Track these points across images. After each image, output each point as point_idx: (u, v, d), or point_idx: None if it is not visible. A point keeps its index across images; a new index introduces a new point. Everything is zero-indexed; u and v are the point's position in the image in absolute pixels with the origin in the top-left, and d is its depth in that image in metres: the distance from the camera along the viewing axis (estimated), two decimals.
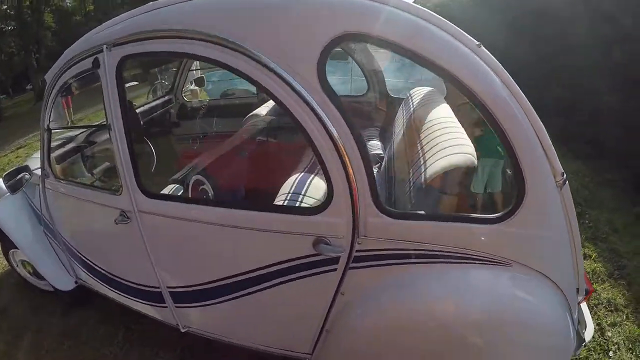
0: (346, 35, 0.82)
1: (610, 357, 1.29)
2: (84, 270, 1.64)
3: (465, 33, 0.85)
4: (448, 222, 0.89)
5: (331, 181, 0.89)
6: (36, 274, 1.84)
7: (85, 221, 1.49)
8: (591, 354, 1.31)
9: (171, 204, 1.15)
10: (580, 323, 1.05)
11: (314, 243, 0.95)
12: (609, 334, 1.36)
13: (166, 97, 2.37)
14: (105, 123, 1.17)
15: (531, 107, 0.87)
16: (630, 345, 1.32)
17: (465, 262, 0.90)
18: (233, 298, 1.19)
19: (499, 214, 0.88)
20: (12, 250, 1.85)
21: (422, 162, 1.07)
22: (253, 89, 2.78)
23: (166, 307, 1.43)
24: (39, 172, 1.57)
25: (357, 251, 0.93)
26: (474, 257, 0.89)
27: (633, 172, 2.27)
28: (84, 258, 1.58)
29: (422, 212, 0.91)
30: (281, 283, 1.06)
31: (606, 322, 1.45)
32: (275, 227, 0.99)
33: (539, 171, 0.85)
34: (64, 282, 1.74)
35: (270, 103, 1.83)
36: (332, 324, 1.07)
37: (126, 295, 1.53)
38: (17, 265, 1.97)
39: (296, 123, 0.88)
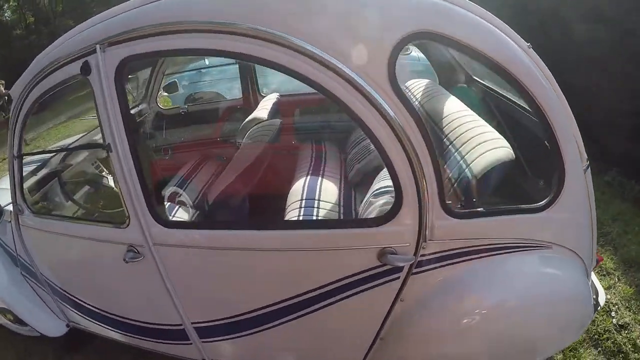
0: (418, 34, 0.76)
1: (612, 317, 1.45)
2: (77, 313, 1.40)
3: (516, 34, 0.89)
4: (503, 215, 0.90)
5: (401, 189, 0.82)
6: (18, 320, 1.60)
7: (77, 261, 1.22)
8: (596, 316, 1.43)
9: (198, 233, 0.95)
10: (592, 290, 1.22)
11: (379, 255, 0.88)
12: (608, 296, 1.50)
13: (140, 107, 2.05)
14: (99, 143, 0.95)
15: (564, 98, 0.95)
16: (627, 304, 1.49)
17: (517, 250, 0.92)
18: (276, 325, 1.06)
19: (543, 202, 0.91)
20: None
21: (459, 158, 1.10)
22: (224, 91, 2.70)
23: (190, 343, 1.26)
24: (10, 207, 1.32)
25: (420, 256, 0.90)
26: (523, 244, 0.92)
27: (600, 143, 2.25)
28: (77, 301, 1.33)
29: (481, 209, 0.90)
30: (336, 302, 0.97)
31: (602, 285, 1.59)
32: (333, 244, 0.90)
33: (575, 159, 0.89)
34: (54, 328, 1.53)
35: (268, 105, 1.68)
36: (388, 331, 1.02)
37: (136, 336, 1.31)
38: None
39: (364, 128, 0.79)
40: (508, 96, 1.30)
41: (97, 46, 0.85)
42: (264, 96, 1.97)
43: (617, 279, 1.65)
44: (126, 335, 1.33)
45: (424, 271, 0.93)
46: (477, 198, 0.97)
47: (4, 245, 1.52)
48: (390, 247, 0.88)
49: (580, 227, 1.00)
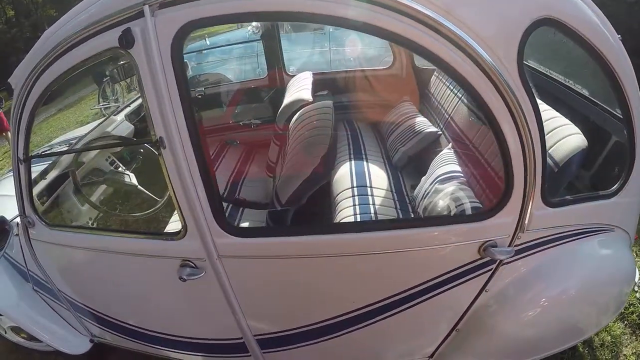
0: (546, 20, 0.67)
1: (635, 291, 1.54)
2: (107, 330, 1.30)
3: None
4: (586, 202, 0.89)
5: (513, 180, 0.74)
6: (33, 337, 1.48)
7: (109, 278, 1.04)
8: None
9: (277, 240, 0.80)
10: None
11: (481, 248, 0.82)
12: None
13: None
14: (143, 137, 0.76)
15: None
16: None
17: (590, 234, 0.93)
18: (352, 331, 0.97)
19: (615, 188, 0.91)
20: None
21: None
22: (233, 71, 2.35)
23: (248, 355, 1.13)
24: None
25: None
26: (596, 229, 0.94)
27: None
28: (108, 318, 1.22)
29: (569, 197, 0.88)
30: (422, 302, 0.91)
31: None
32: (434, 242, 0.81)
33: (638, 135, 0.93)
34: (76, 345, 1.43)
35: (307, 84, 1.49)
36: (465, 322, 0.99)
37: (184, 352, 1.19)
38: (6, 332, 1.57)
39: (486, 112, 0.70)
40: (558, 79, 1.31)
41: (146, 7, 0.61)
42: (291, 75, 1.75)
43: (635, 255, 1.69)
44: (171, 351, 1.19)
45: (512, 261, 0.92)
46: (560, 186, 0.97)
47: (12, 261, 1.36)
48: (493, 239, 0.85)
49: (634, 209, 1.07)
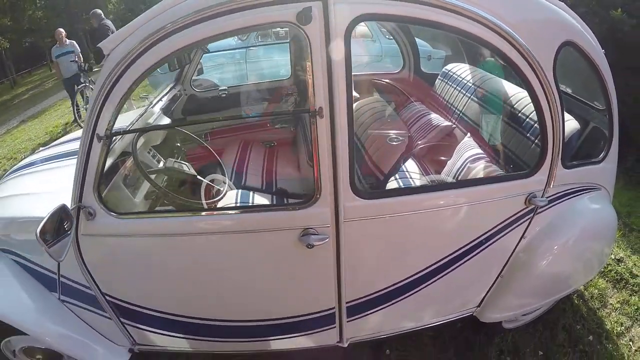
0: (569, 42, 1.09)
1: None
2: (158, 331, 1.35)
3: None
4: (586, 166, 1.34)
5: (547, 146, 1.16)
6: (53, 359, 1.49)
7: (193, 266, 1.14)
8: None
9: (395, 200, 1.05)
10: None
11: (527, 199, 1.22)
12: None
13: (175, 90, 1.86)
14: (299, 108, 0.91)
15: None
16: (617, 243, 2.13)
17: (587, 191, 1.38)
18: (425, 286, 1.27)
19: (601, 156, 1.38)
20: (7, 339, 1.44)
21: None
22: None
23: (333, 327, 1.31)
24: None
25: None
26: (591, 187, 1.39)
27: None
28: (168, 316, 1.27)
29: (575, 162, 1.31)
30: (482, 251, 1.25)
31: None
32: (494, 195, 1.17)
33: (616, 127, 1.42)
34: (113, 358, 1.44)
35: None
36: (507, 268, 1.37)
37: (256, 339, 1.33)
38: (15, 356, 1.53)
39: (534, 99, 1.10)
40: None
41: None
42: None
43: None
44: (243, 340, 1.32)
45: (542, 211, 1.32)
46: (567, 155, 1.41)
47: (33, 268, 1.34)
48: (534, 192, 1.23)
49: (613, 174, 1.54)
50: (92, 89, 6.07)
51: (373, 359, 1.70)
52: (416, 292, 1.29)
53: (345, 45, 0.85)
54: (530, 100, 1.41)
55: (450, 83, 1.94)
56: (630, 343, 1.73)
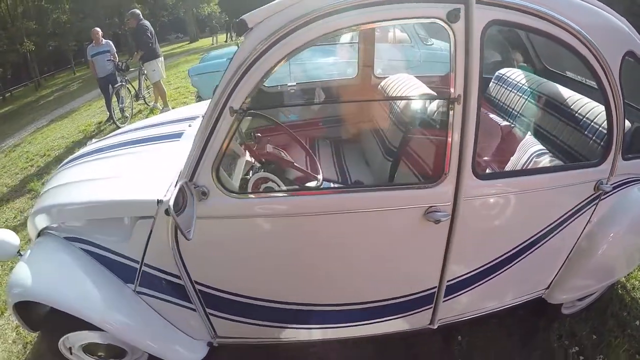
0: (631, 52, 1.31)
1: None
2: (247, 321, 1.41)
3: None
4: (636, 159, 1.53)
5: (612, 139, 1.37)
6: (115, 355, 1.53)
7: (314, 246, 1.23)
8: None
9: (506, 180, 1.26)
10: None
11: (596, 185, 1.42)
12: None
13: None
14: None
15: None
16: None
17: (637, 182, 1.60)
18: (510, 266, 1.44)
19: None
20: (67, 335, 1.45)
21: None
22: None
23: (429, 308, 1.44)
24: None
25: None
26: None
27: None
28: (266, 304, 1.35)
29: (631, 155, 1.51)
30: (557, 233, 1.44)
31: None
32: (572, 181, 1.36)
33: None
34: (191, 351, 1.47)
35: (412, 84, 1.92)
36: (574, 251, 1.56)
37: (352, 323, 1.40)
38: (72, 353, 1.53)
39: (605, 99, 1.31)
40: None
41: None
42: (378, 77, 2.18)
43: None
44: (329, 328, 1.43)
45: (605, 198, 1.52)
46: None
47: (109, 256, 1.38)
48: (601, 179, 1.43)
49: None
50: (128, 88, 6.35)
51: (444, 345, 1.82)
52: (502, 272, 1.45)
53: (480, 43, 1.05)
54: (585, 102, 1.65)
55: (506, 86, 2.17)
56: None
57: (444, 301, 1.42)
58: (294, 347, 1.73)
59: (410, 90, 1.79)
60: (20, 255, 1.52)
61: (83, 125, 6.60)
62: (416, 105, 1.68)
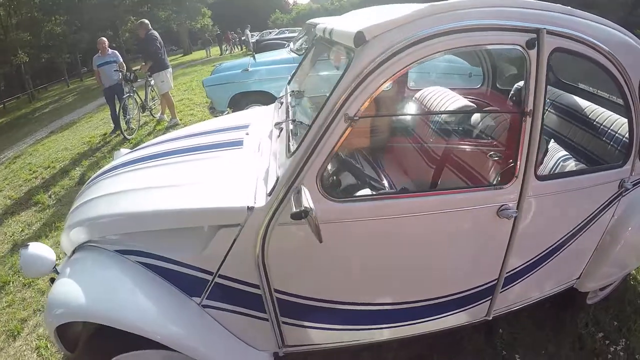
0: None
1: None
2: (322, 327, 1.49)
3: None
4: None
5: (633, 144, 1.62)
6: None
7: (400, 246, 1.35)
8: None
9: (557, 181, 1.46)
10: None
11: (620, 184, 1.66)
12: None
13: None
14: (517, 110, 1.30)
15: None
16: None
17: None
18: (553, 258, 1.65)
19: None
20: (123, 355, 1.37)
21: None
22: None
23: (488, 300, 1.61)
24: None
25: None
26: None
27: None
28: (339, 306, 1.43)
29: None
30: (592, 224, 1.67)
31: None
32: (600, 181, 1.59)
33: None
34: None
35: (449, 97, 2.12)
36: (601, 243, 1.80)
37: (416, 321, 1.53)
38: None
39: (625, 102, 1.55)
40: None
41: (544, 29, 1.22)
42: (411, 89, 2.37)
43: None
44: (394, 327, 1.55)
45: (626, 194, 1.77)
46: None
47: (173, 269, 1.35)
48: (623, 179, 1.68)
49: None
50: (135, 99, 6.33)
51: (486, 339, 1.98)
52: (547, 263, 1.66)
53: (547, 68, 1.27)
54: (601, 112, 1.92)
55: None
56: None
57: (500, 292, 1.59)
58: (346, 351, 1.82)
59: (452, 102, 2.00)
60: (57, 272, 1.46)
61: (87, 137, 6.48)
62: (472, 117, 1.88)
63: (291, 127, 1.53)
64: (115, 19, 21.25)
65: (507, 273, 1.55)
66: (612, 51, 1.43)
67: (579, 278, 1.89)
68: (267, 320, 1.46)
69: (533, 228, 1.50)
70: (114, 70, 5.83)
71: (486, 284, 1.55)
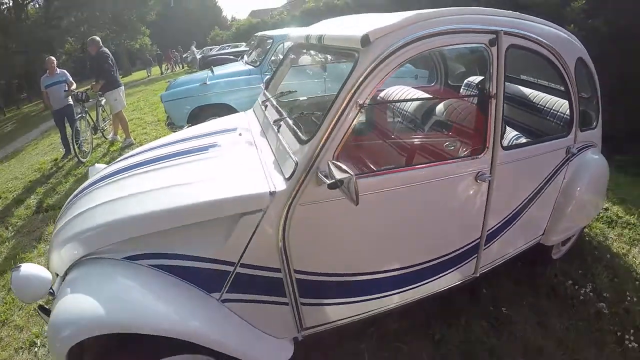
0: (582, 60, 2.02)
1: None
2: (340, 300, 1.64)
3: None
4: (589, 130, 2.22)
5: (574, 117, 2.03)
6: None
7: (403, 212, 1.59)
8: None
9: (519, 150, 1.82)
10: None
11: (567, 149, 2.06)
12: None
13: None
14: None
15: None
16: None
17: (589, 147, 2.28)
18: (523, 215, 2.01)
19: (594, 124, 2.32)
20: None
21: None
22: None
23: (474, 257, 1.90)
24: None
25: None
26: (590, 145, 2.28)
27: None
28: (351, 278, 1.61)
29: (584, 127, 2.20)
30: (549, 186, 2.06)
31: None
32: (557, 146, 2.00)
33: (599, 105, 2.41)
34: (282, 351, 1.57)
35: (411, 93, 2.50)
36: (557, 201, 2.19)
37: (420, 283, 1.78)
38: None
39: (564, 84, 1.96)
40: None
41: (502, 31, 1.56)
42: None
43: None
44: (408, 288, 1.78)
45: (572, 159, 2.17)
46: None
47: (194, 265, 1.39)
48: (570, 146, 2.06)
49: (600, 135, 2.47)
50: (87, 120, 6.13)
51: (474, 300, 2.29)
52: (517, 221, 2.02)
53: (505, 59, 1.62)
54: (543, 96, 2.33)
55: (470, 89, 2.83)
56: (633, 259, 2.67)
57: (484, 249, 1.90)
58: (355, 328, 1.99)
59: (420, 95, 2.34)
60: (52, 294, 1.40)
61: (37, 164, 6.18)
62: (437, 107, 2.22)
63: (290, 122, 1.72)
64: (52, 40, 20.44)
65: (487, 231, 1.87)
66: (552, 45, 1.83)
67: (543, 234, 2.26)
68: (287, 304, 1.56)
69: (503, 190, 1.83)
70: (64, 91, 5.66)
71: (472, 242, 1.85)
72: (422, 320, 2.18)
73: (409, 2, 5.35)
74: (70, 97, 5.75)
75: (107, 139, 6.72)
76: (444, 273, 1.87)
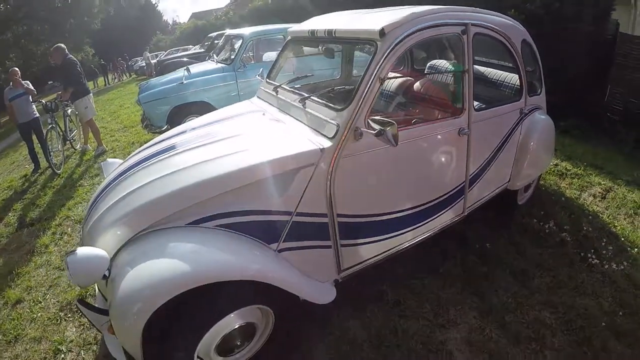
0: (526, 40, 2.68)
1: None
2: (375, 239, 2.03)
3: None
4: (535, 95, 2.94)
5: (522, 84, 2.69)
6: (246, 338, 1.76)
7: (413, 162, 2.09)
8: None
9: (487, 111, 2.41)
10: None
11: (521, 110, 2.71)
12: None
13: None
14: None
15: None
16: None
17: (536, 110, 2.95)
18: (494, 162, 2.62)
19: (539, 91, 3.04)
20: (201, 340, 1.50)
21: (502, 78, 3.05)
22: None
23: (462, 198, 2.44)
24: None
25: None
26: (537, 108, 2.99)
27: None
28: (384, 217, 2.03)
29: (531, 93, 2.88)
30: (509, 140, 2.71)
31: None
32: (511, 109, 2.63)
33: (542, 77, 3.13)
34: (328, 292, 1.86)
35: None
36: (517, 153, 2.82)
37: (421, 223, 2.27)
38: None
39: (516, 66, 2.61)
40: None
41: (470, 23, 2.14)
42: (355, 77, 3.19)
43: None
44: (417, 226, 2.26)
45: (524, 118, 2.81)
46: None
47: (256, 219, 1.59)
48: (523, 107, 2.68)
49: (544, 100, 3.22)
50: (58, 131, 6.00)
51: (461, 243, 2.88)
52: (490, 167, 2.64)
53: (473, 44, 2.21)
54: (500, 73, 2.95)
55: (437, 72, 3.41)
56: (584, 200, 3.40)
57: (468, 192, 2.45)
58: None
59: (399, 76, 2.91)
60: (104, 277, 1.46)
61: (6, 182, 5.91)
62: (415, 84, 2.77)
63: (316, 98, 2.08)
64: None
65: (470, 176, 2.46)
66: (504, 31, 2.48)
67: (509, 181, 2.88)
68: (330, 247, 1.89)
69: (478, 143, 2.46)
70: (32, 102, 5.55)
71: (459, 185, 2.45)
72: (428, 261, 2.69)
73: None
74: (35, 108, 5.58)
75: (75, 149, 6.60)
76: (443, 211, 2.41)
